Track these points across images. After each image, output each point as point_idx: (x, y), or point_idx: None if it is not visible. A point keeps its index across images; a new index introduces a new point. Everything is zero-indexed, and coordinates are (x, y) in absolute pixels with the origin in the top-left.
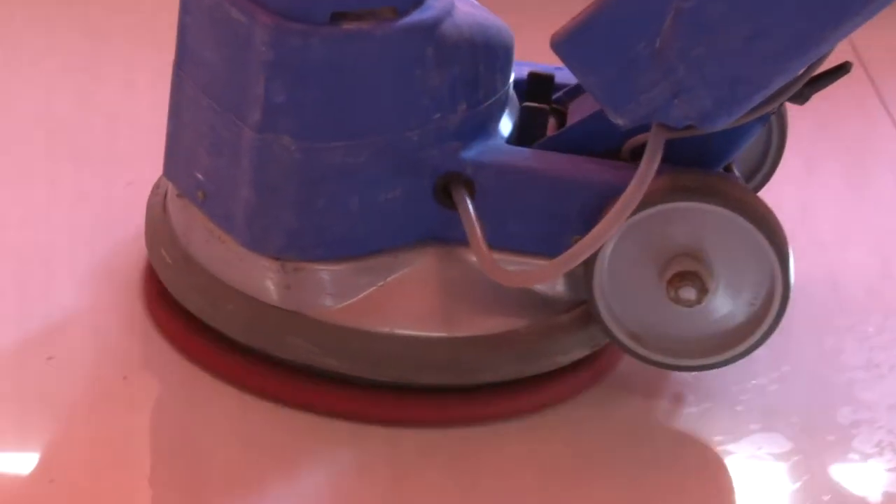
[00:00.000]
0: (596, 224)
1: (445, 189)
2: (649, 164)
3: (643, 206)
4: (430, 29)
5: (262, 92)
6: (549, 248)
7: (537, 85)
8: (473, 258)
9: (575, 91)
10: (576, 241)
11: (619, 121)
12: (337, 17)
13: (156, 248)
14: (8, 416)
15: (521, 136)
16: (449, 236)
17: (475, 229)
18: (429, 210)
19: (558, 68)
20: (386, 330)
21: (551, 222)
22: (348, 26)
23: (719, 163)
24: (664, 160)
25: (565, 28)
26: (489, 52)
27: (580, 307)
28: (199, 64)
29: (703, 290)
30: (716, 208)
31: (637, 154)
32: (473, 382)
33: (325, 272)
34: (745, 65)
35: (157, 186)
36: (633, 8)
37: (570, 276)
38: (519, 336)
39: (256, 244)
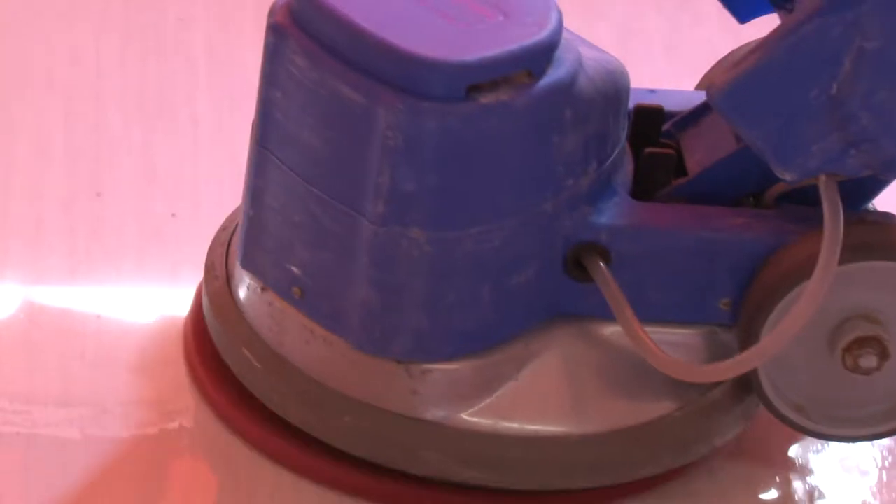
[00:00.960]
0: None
1: (577, 261)
2: (835, 223)
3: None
4: (568, 89)
5: (388, 181)
6: (693, 315)
7: (645, 119)
8: (608, 332)
9: (685, 122)
10: (725, 305)
11: (787, 176)
12: (472, 90)
13: (234, 348)
14: None
15: (641, 185)
16: (577, 310)
17: (624, 308)
18: (558, 286)
19: (652, 91)
20: (532, 431)
21: (696, 287)
22: (486, 100)
23: (867, 200)
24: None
25: (726, 79)
26: (617, 102)
27: (730, 380)
28: (294, 144)
29: (884, 356)
30: None
31: (783, 199)
32: (630, 480)
33: (455, 372)
34: None
35: (211, 269)
36: (805, 53)
37: (715, 345)
38: (675, 421)
39: (376, 348)
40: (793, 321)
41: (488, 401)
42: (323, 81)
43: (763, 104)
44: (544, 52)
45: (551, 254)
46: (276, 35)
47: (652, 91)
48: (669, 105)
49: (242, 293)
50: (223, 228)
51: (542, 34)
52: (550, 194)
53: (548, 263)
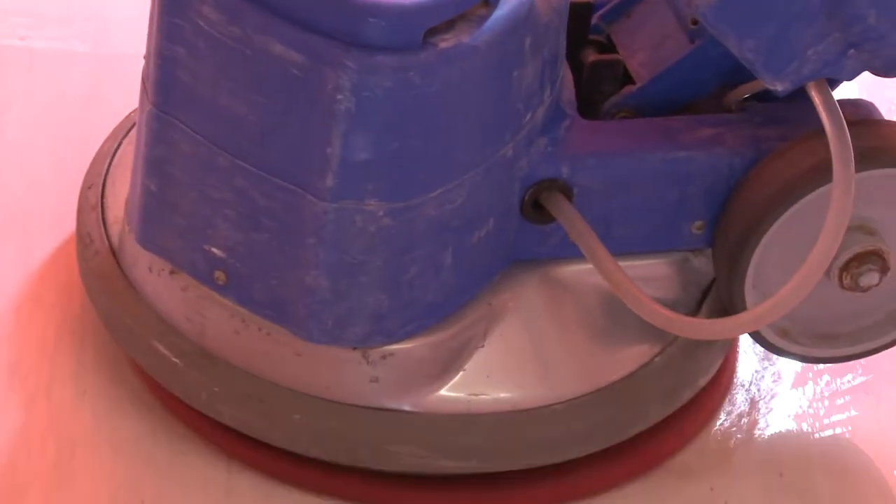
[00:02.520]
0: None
1: (535, 202)
2: (840, 130)
3: (817, 183)
4: (528, 13)
5: (339, 151)
6: (664, 243)
7: (574, 17)
8: (571, 274)
9: (615, 12)
10: (698, 228)
11: (777, 86)
12: (429, 34)
13: (142, 341)
14: None
15: (585, 98)
16: (534, 254)
17: (597, 249)
18: (513, 232)
19: None
20: (509, 404)
21: (667, 213)
22: (445, 44)
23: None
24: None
25: None
26: (565, 13)
27: (702, 311)
28: (209, 110)
29: (885, 270)
30: None
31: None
32: (621, 440)
33: (418, 350)
34: None
35: (88, 241)
36: None
37: (688, 274)
38: (657, 368)
39: (328, 337)
40: (818, 259)
41: (457, 377)
42: (246, 38)
43: (757, 13)
44: None
45: (509, 199)
46: None
47: None
48: None
49: (140, 273)
50: (88, 186)
51: None
52: (510, 136)
53: (505, 211)
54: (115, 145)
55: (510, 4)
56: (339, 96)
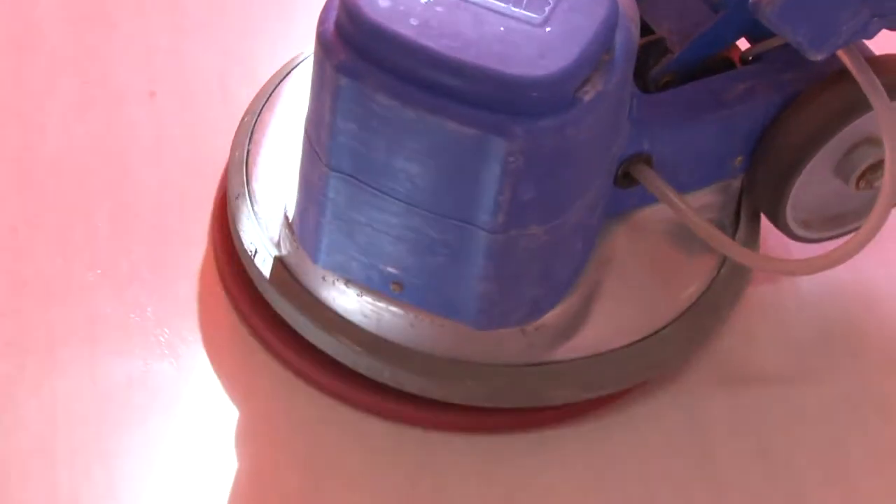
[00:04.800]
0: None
1: (626, 173)
2: (871, 80)
3: (848, 122)
4: (632, 47)
5: (508, 197)
6: (714, 177)
7: None
8: (652, 220)
9: None
10: (738, 162)
11: (818, 57)
12: (576, 92)
13: (332, 336)
14: None
15: (637, 71)
16: (619, 209)
17: (680, 204)
18: (609, 198)
19: None
20: (627, 339)
21: (717, 155)
22: (587, 96)
23: None
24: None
25: None
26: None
27: (740, 226)
28: (380, 171)
29: None
30: None
31: (757, 57)
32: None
33: (559, 315)
34: None
35: (255, 254)
36: None
37: (729, 196)
38: (723, 277)
39: (496, 323)
40: (889, 189)
41: (586, 326)
42: (420, 118)
43: (809, 9)
44: (611, 24)
45: (610, 178)
46: (349, 74)
47: None
48: None
49: (313, 281)
50: (236, 196)
51: (604, 3)
52: (619, 141)
53: (608, 187)
54: (242, 158)
55: (621, 41)
56: (511, 158)
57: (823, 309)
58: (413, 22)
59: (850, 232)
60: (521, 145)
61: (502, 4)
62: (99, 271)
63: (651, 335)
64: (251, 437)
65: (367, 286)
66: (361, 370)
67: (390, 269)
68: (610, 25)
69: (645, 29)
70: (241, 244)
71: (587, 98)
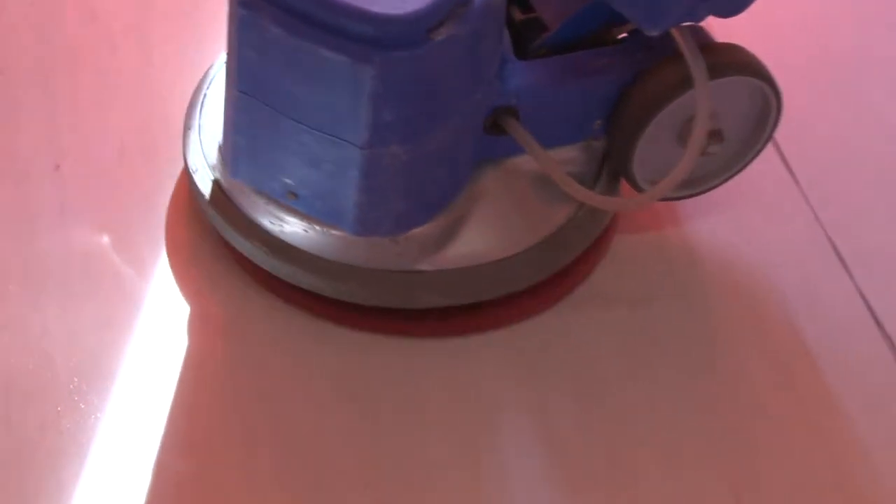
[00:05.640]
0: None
1: (495, 123)
2: (697, 60)
3: (681, 92)
4: (490, 4)
5: (371, 117)
6: (577, 136)
7: None
8: (523, 168)
9: None
10: (598, 124)
11: (652, 32)
12: (428, 32)
13: (241, 237)
14: None
15: (518, 45)
16: (492, 154)
17: (539, 152)
18: (480, 143)
19: None
20: (487, 259)
21: (578, 117)
22: (439, 37)
23: None
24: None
25: None
26: None
27: (601, 178)
28: (275, 92)
29: (721, 140)
30: (735, 77)
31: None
32: (558, 270)
33: (426, 231)
34: None
35: (195, 172)
36: None
37: (591, 153)
38: (580, 218)
39: (369, 231)
40: (695, 144)
41: (453, 244)
42: (301, 46)
43: None
44: None
45: (478, 124)
46: (248, 9)
47: None
48: None
49: (235, 193)
50: (187, 127)
51: None
52: (479, 86)
53: (477, 131)
54: (199, 101)
55: (480, 1)
56: (371, 82)
57: (671, 255)
58: None
59: (694, 195)
60: (378, 71)
61: None
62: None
63: (505, 259)
64: (200, 324)
65: (270, 196)
66: (268, 269)
67: (287, 181)
68: None
69: (531, 8)
70: (186, 166)
71: (438, 38)
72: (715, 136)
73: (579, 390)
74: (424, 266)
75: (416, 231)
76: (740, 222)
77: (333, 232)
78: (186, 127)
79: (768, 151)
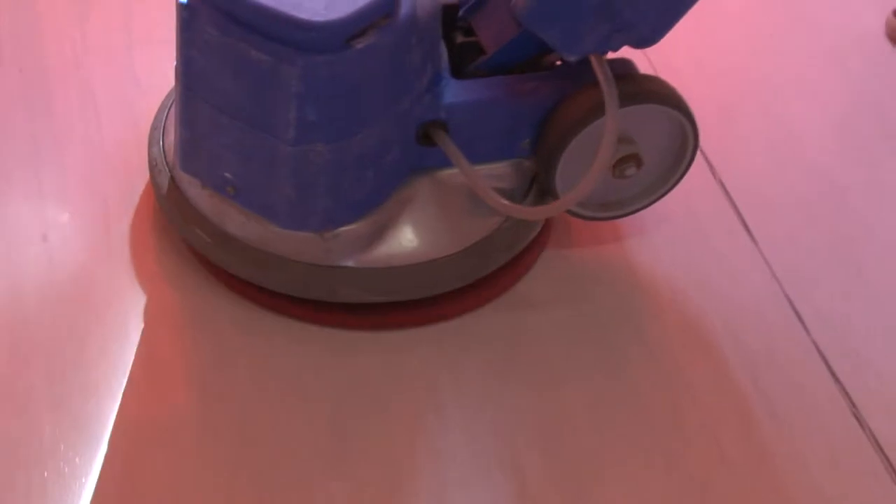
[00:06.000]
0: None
1: (426, 134)
2: (610, 86)
3: (598, 116)
4: (412, 21)
5: (295, 115)
6: (506, 154)
7: (447, 14)
8: (447, 176)
9: (474, 7)
10: (526, 144)
11: (570, 58)
12: (349, 40)
13: (189, 228)
14: None
15: (456, 65)
16: (425, 164)
17: (464, 164)
18: (412, 153)
19: None
20: (413, 259)
21: (506, 135)
22: (360, 45)
23: None
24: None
25: (524, 3)
26: (439, 17)
27: (530, 195)
28: (213, 90)
29: (639, 165)
30: (652, 105)
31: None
32: (482, 276)
33: (354, 230)
34: None
35: (155, 165)
36: None
37: (521, 171)
38: (502, 231)
39: (297, 226)
40: (602, 157)
41: (380, 245)
42: (233, 45)
43: (552, 17)
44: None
45: (408, 134)
46: (189, 11)
47: None
48: None
49: (185, 186)
50: (154, 128)
51: None
52: (406, 96)
53: (406, 141)
54: (168, 104)
55: (402, 15)
56: (294, 83)
57: (587, 267)
58: None
59: (620, 216)
60: (300, 73)
61: None
62: None
63: (428, 262)
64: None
65: (213, 189)
66: (212, 259)
67: (226, 175)
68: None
69: (472, 32)
70: (148, 161)
71: (359, 46)
72: (633, 160)
73: (504, 376)
74: (350, 262)
75: (345, 229)
76: (674, 235)
77: (269, 226)
78: (153, 126)
79: (716, 192)
